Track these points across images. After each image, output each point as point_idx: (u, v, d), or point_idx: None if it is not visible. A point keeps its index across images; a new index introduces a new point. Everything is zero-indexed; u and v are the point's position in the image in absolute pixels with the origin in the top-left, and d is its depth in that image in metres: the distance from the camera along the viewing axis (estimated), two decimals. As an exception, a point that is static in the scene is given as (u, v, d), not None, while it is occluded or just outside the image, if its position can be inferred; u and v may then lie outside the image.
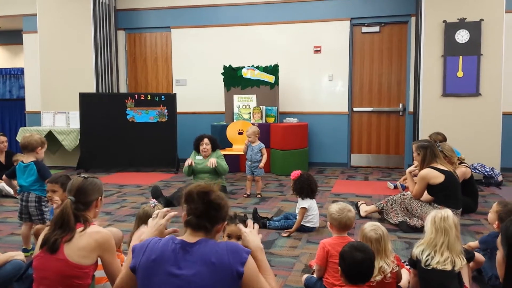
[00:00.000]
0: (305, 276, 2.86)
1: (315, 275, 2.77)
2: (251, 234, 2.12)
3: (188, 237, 1.90)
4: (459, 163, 4.87)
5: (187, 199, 1.92)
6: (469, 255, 2.58)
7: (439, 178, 4.10)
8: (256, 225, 2.25)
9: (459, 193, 4.22)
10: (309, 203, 4.07)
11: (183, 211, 1.96)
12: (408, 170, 4.55)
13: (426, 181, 4.15)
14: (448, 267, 2.37)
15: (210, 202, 1.89)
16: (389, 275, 2.46)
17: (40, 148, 3.70)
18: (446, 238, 2.42)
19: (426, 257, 2.42)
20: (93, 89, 7.93)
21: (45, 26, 8.05)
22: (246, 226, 2.65)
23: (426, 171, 4.17)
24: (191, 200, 1.91)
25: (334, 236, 2.80)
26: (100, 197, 2.48)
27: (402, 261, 2.80)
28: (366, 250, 2.22)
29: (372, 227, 2.54)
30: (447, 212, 2.50)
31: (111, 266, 2.25)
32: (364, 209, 4.60)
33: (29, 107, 9.12)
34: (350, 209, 2.84)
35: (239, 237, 2.55)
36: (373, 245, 2.46)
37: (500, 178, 6.16)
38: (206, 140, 5.40)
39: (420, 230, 4.06)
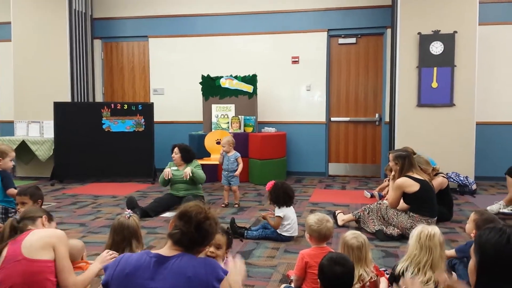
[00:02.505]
0: (283, 286, 2.85)
1: (293, 285, 2.76)
2: (235, 268, 2.16)
3: (166, 250, 1.87)
4: (435, 174, 4.92)
5: (181, 216, 1.89)
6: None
7: (414, 186, 4.15)
8: (243, 266, 2.27)
9: (434, 202, 4.27)
10: (285, 212, 4.07)
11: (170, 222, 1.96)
12: (390, 178, 4.58)
13: (401, 190, 4.19)
14: (431, 287, 2.37)
15: (201, 229, 1.87)
16: (368, 283, 2.46)
17: (1, 158, 3.63)
18: (430, 257, 2.41)
19: (410, 275, 2.40)
20: (68, 98, 7.80)
21: (19, 34, 7.90)
22: (228, 236, 2.63)
23: (402, 180, 4.21)
24: (184, 219, 1.88)
25: (313, 247, 2.79)
26: (44, 216, 2.64)
27: (383, 269, 2.81)
28: (346, 264, 2.19)
29: (353, 235, 2.56)
30: (434, 229, 2.49)
31: (62, 260, 2.30)
32: (341, 218, 4.61)
33: (2, 116, 8.91)
34: (328, 219, 2.83)
35: (218, 246, 2.53)
36: (354, 253, 2.48)
37: (474, 187, 6.27)
38: (176, 150, 5.37)
39: (396, 238, 4.11)
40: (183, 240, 1.85)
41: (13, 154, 3.74)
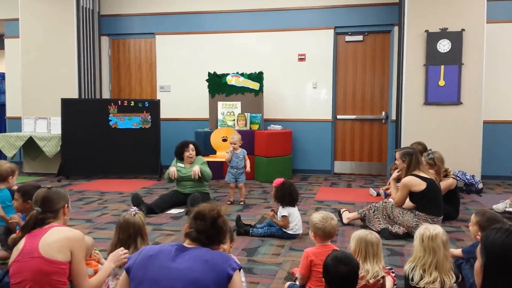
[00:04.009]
0: (288, 283, 2.85)
1: (297, 283, 2.76)
2: None
3: (185, 244, 2.03)
4: (444, 176, 4.88)
5: (196, 216, 2.04)
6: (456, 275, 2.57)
7: (421, 185, 4.13)
8: None
9: (441, 201, 4.25)
10: (289, 211, 4.07)
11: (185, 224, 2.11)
12: (392, 177, 4.58)
13: (408, 189, 4.18)
14: (437, 287, 2.38)
15: (216, 225, 2.03)
16: (381, 280, 2.48)
17: (11, 176, 3.66)
18: (434, 258, 2.42)
19: (416, 276, 2.43)
20: (75, 95, 7.84)
21: (27, 31, 7.94)
22: (229, 232, 2.65)
23: (408, 179, 4.20)
24: (200, 219, 2.03)
25: (317, 245, 2.79)
26: (66, 204, 2.57)
27: (389, 267, 2.81)
28: (351, 263, 2.19)
29: (368, 232, 2.60)
30: (436, 230, 2.49)
31: (78, 265, 2.31)
32: (346, 216, 4.60)
33: (10, 112, 8.99)
34: (332, 217, 2.84)
35: (223, 241, 2.56)
36: (373, 248, 2.51)
37: (480, 186, 6.24)
38: (192, 146, 5.37)
39: (402, 237, 4.10)
40: (200, 238, 2.00)
41: (17, 172, 3.79)
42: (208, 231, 2.00)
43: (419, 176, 4.17)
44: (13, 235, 3.30)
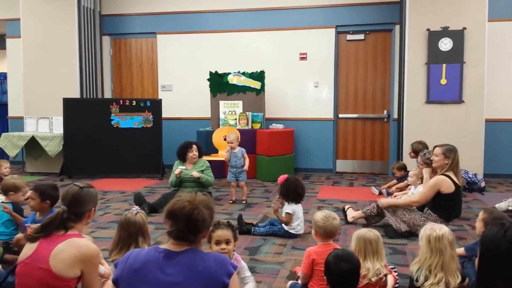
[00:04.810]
0: (290, 282, 2.85)
1: (300, 282, 2.76)
2: None
3: (172, 246, 1.88)
4: None
5: (169, 216, 1.89)
6: (462, 276, 2.56)
7: (451, 188, 3.99)
8: None
9: (457, 209, 4.17)
10: (294, 208, 4.07)
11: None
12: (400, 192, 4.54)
13: (438, 188, 4.01)
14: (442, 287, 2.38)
15: (191, 221, 1.85)
16: (383, 278, 2.48)
17: (13, 192, 3.64)
18: (440, 259, 2.41)
19: (421, 277, 2.42)
20: (77, 95, 7.85)
21: (29, 30, 7.95)
22: (232, 229, 2.64)
23: (442, 178, 4.02)
24: (172, 218, 1.88)
25: (319, 244, 2.79)
26: (94, 208, 2.47)
27: (391, 267, 2.81)
28: (352, 260, 2.20)
29: (368, 230, 2.60)
30: (442, 230, 2.47)
31: (91, 282, 2.23)
32: (351, 214, 4.57)
33: (12, 112, 9.00)
34: (334, 216, 2.84)
35: (227, 241, 2.55)
36: (372, 246, 2.51)
37: (483, 184, 6.23)
38: (195, 147, 5.37)
39: (406, 235, 4.08)
40: (181, 236, 1.86)
41: (27, 189, 3.63)
42: (185, 230, 1.84)
43: (451, 178, 4.03)
44: (18, 236, 3.30)
